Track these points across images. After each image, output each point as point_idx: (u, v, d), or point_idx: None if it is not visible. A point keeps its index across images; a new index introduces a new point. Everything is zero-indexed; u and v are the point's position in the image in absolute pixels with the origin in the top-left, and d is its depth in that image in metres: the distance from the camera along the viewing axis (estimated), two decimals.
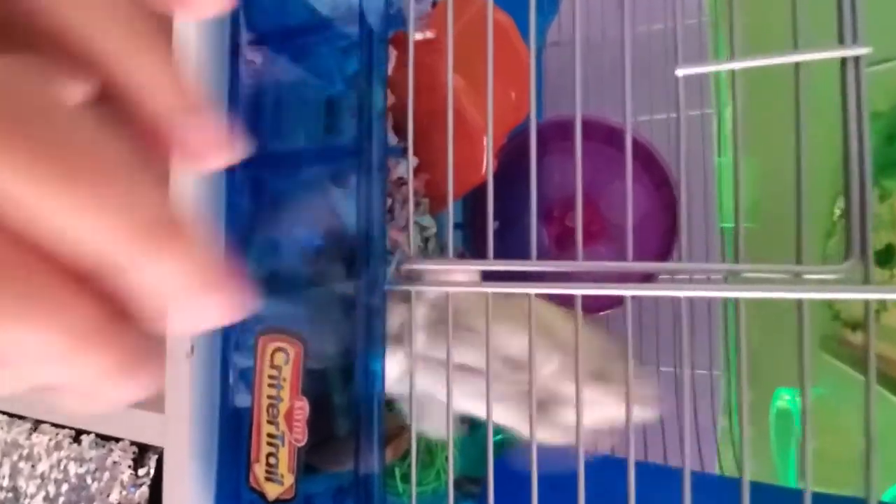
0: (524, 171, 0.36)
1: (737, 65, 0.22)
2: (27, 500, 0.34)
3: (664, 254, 0.49)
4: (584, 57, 0.57)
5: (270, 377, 0.24)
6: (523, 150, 0.36)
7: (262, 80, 0.30)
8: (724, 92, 0.55)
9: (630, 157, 0.25)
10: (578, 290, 0.23)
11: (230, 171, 0.30)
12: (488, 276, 0.26)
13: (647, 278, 0.45)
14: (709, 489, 0.28)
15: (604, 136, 0.52)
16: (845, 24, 0.19)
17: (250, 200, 0.30)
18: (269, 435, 0.24)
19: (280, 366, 0.24)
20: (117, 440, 0.33)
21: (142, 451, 0.33)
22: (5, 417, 0.37)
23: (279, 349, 0.24)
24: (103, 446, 0.33)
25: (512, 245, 0.47)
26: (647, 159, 0.51)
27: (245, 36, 0.28)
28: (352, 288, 0.24)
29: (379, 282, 0.23)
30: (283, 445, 0.24)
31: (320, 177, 0.30)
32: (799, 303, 0.18)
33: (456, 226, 0.59)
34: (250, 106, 0.30)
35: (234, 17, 0.29)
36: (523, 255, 0.34)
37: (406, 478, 0.39)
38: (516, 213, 0.49)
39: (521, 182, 0.34)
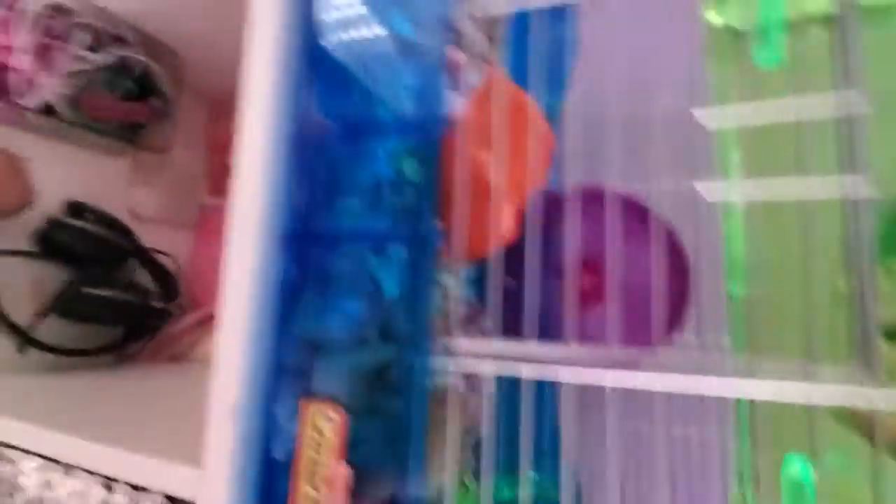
0: (539, 230, 0.40)
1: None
2: None
3: (676, 318, 0.50)
4: (592, 131, 0.60)
5: (313, 440, 0.26)
6: (539, 211, 0.40)
7: (319, 155, 0.33)
8: (731, 157, 0.58)
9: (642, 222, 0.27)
10: (609, 383, 0.24)
11: (283, 243, 0.32)
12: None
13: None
14: None
15: (621, 208, 0.55)
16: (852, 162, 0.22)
17: (297, 270, 0.32)
18: (309, 498, 0.25)
19: (322, 430, 0.26)
20: (148, 491, 0.34)
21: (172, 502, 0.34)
22: (40, 460, 0.38)
23: (322, 414, 0.26)
24: (134, 497, 0.34)
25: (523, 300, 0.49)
26: (655, 225, 0.53)
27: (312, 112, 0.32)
28: (395, 359, 0.26)
29: (423, 355, 0.25)
30: None
31: (363, 248, 0.32)
32: (807, 408, 0.20)
33: (472, 281, 0.61)
34: (305, 178, 0.33)
35: (306, 89, 0.32)
36: (540, 314, 0.36)
37: None
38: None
39: (537, 240, 0.36)
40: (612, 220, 0.58)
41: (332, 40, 0.35)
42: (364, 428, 0.25)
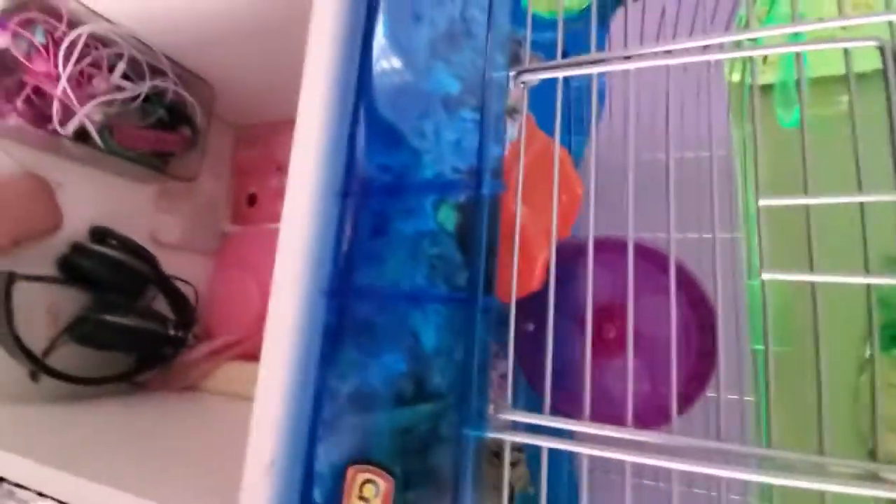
0: (563, 279, 0.40)
1: (814, 200, 0.25)
2: None
3: (701, 375, 0.50)
4: (615, 179, 0.61)
5: None
6: (563, 260, 0.40)
7: (363, 208, 0.33)
8: (752, 216, 0.59)
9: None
10: (675, 465, 0.24)
11: (324, 297, 0.32)
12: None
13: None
14: None
15: (637, 253, 0.55)
16: None
17: (337, 323, 0.32)
18: None
19: (369, 498, 0.25)
20: None
21: None
22: (52, 502, 0.37)
23: (368, 481, 0.25)
24: None
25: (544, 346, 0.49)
26: (680, 276, 0.54)
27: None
28: (445, 427, 0.26)
29: (474, 426, 0.25)
30: None
31: (404, 302, 0.32)
32: (821, 494, 0.20)
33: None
34: (349, 230, 0.33)
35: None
36: (559, 358, 0.36)
37: None
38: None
39: (559, 288, 0.37)
40: (635, 271, 0.59)
41: (380, 96, 0.36)
42: (411, 494, 0.25)
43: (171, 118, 0.62)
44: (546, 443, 0.25)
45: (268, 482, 0.29)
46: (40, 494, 0.38)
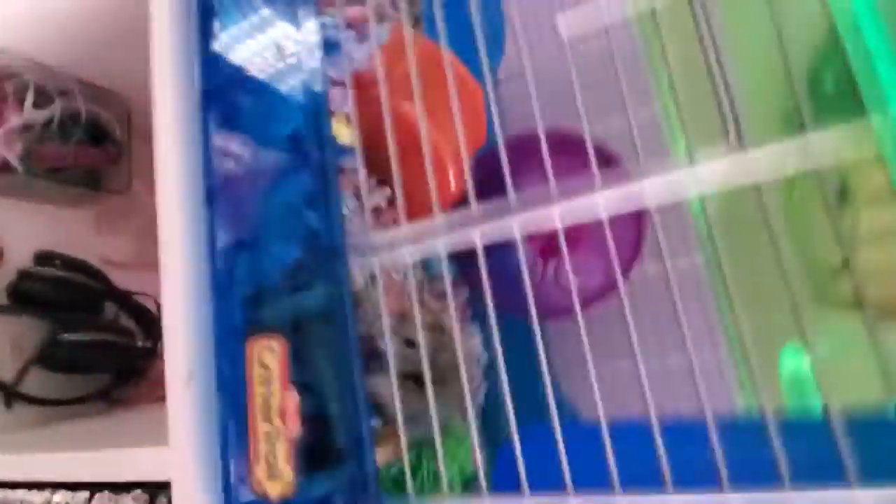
0: (494, 190, 0.40)
1: None
2: None
3: (638, 242, 0.50)
4: (539, 81, 0.61)
5: (261, 376, 0.26)
6: (489, 169, 0.40)
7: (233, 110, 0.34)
8: (663, 87, 0.59)
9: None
10: (558, 220, 0.24)
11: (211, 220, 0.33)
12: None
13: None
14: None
15: (565, 148, 0.56)
16: None
17: (233, 234, 0.32)
18: (265, 433, 0.25)
19: (268, 364, 0.26)
20: (129, 489, 0.33)
21: (153, 497, 0.33)
22: (22, 491, 0.38)
23: (266, 348, 0.26)
24: (116, 501, 0.34)
25: (495, 264, 0.49)
26: (609, 162, 0.54)
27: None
28: (323, 280, 0.26)
29: (341, 261, 0.25)
30: (279, 440, 0.25)
31: (294, 201, 0.33)
32: (702, 200, 0.20)
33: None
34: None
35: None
36: (508, 275, 0.36)
37: (419, 493, 0.38)
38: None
39: (494, 193, 0.36)
40: (564, 168, 0.59)
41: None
42: (304, 348, 0.25)
43: (92, 136, 0.63)
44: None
45: (187, 395, 0.29)
46: None
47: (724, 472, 0.21)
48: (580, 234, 0.59)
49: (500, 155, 0.33)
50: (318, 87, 0.32)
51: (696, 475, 0.22)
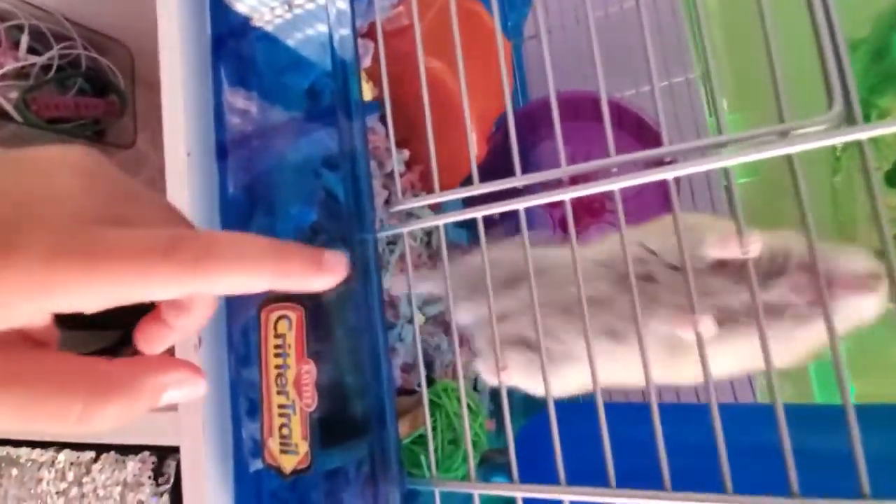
0: (518, 153, 0.36)
1: None
2: None
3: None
4: (563, 43, 0.57)
5: (276, 346, 0.24)
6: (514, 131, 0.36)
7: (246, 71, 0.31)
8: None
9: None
10: (567, 195, 0.22)
11: (223, 169, 0.31)
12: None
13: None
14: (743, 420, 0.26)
15: (592, 112, 0.53)
16: None
17: (244, 192, 0.30)
18: (280, 406, 0.24)
19: (284, 333, 0.24)
20: (137, 451, 0.33)
21: (161, 460, 0.32)
22: (26, 449, 0.37)
23: (282, 317, 0.24)
24: (123, 462, 0.33)
25: (512, 230, 0.47)
26: (639, 128, 0.51)
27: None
28: (342, 245, 0.24)
29: (369, 229, 0.23)
30: (294, 413, 0.23)
31: (312, 162, 0.31)
32: (790, 161, 0.17)
33: (459, 226, 0.59)
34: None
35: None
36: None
37: (412, 455, 0.37)
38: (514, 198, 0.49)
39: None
40: (600, 137, 0.56)
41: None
42: (323, 317, 0.23)
43: (94, 86, 0.60)
44: (440, 221, 0.24)
45: (197, 362, 0.28)
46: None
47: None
48: (603, 208, 0.56)
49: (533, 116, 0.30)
50: (343, 34, 0.29)
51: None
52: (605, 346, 0.25)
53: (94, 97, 0.60)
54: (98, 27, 0.60)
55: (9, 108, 0.52)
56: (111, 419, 0.14)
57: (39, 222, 0.14)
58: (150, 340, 0.18)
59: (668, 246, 0.25)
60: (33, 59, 0.54)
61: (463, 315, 0.31)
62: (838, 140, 0.17)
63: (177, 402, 0.16)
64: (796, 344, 0.23)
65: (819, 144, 0.17)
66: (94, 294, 0.14)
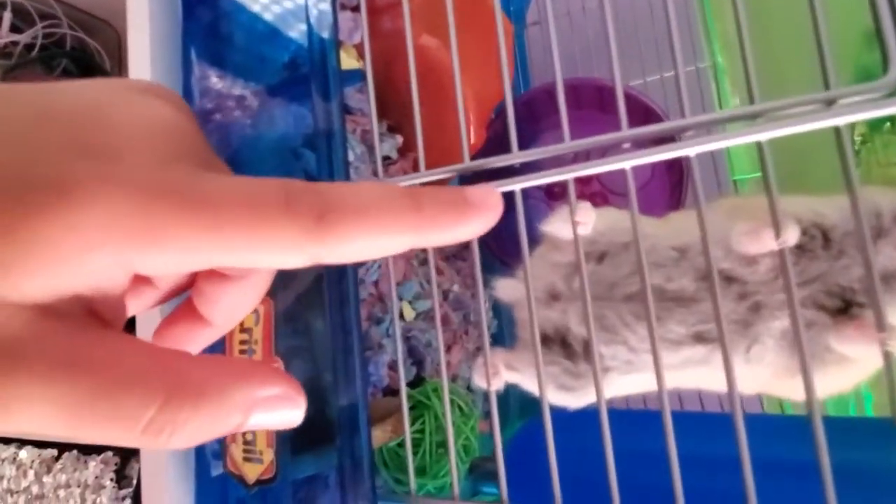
0: (518, 142, 0.34)
1: None
2: None
3: (673, 209, 0.46)
4: (568, 31, 0.55)
5: (241, 342, 0.22)
6: (514, 119, 0.34)
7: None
8: (716, 42, 0.53)
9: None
10: (571, 174, 0.20)
11: None
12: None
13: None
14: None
15: (595, 101, 0.50)
16: None
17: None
18: None
19: (250, 328, 0.22)
20: (100, 451, 0.30)
21: (124, 461, 0.30)
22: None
23: None
24: (85, 462, 0.31)
25: (510, 221, 0.45)
26: (645, 117, 0.48)
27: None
28: None
29: None
30: None
31: (291, 142, 0.28)
32: (837, 133, 0.15)
33: None
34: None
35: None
36: (528, 230, 0.31)
37: (420, 472, 0.35)
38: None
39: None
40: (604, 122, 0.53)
41: None
42: (294, 310, 0.21)
43: (79, 67, 0.58)
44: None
45: None
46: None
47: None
48: (604, 198, 0.54)
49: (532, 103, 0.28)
50: (324, 5, 0.26)
51: None
52: (692, 351, 0.21)
53: (79, 77, 0.58)
54: (85, 7, 0.58)
55: None
56: (186, 436, 0.10)
57: (138, 153, 0.11)
58: (175, 344, 0.14)
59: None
60: (16, 37, 0.52)
61: (505, 291, 0.28)
62: (890, 110, 0.15)
63: (264, 428, 0.12)
64: None
65: (871, 115, 0.15)
66: (193, 254, 0.10)
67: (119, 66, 0.61)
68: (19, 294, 0.09)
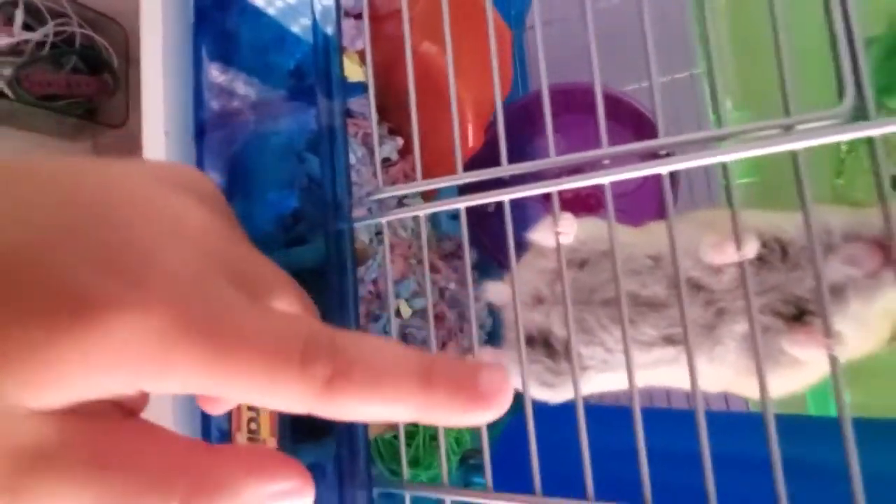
0: (514, 146, 0.35)
1: None
2: None
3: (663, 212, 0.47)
4: (567, 35, 0.56)
5: None
6: (511, 123, 0.35)
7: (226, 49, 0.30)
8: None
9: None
10: (555, 187, 0.21)
11: (200, 158, 0.30)
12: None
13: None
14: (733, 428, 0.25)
15: (590, 105, 0.51)
16: None
17: (222, 174, 0.29)
18: None
19: None
20: None
21: None
22: None
23: None
24: None
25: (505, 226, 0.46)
26: (638, 122, 0.50)
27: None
28: (323, 235, 0.23)
29: (344, 216, 0.22)
30: (263, 408, 0.22)
31: (295, 146, 0.30)
32: (794, 157, 0.16)
33: (453, 217, 0.58)
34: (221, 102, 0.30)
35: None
36: (523, 232, 0.32)
37: (414, 463, 0.37)
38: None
39: (512, 156, 0.32)
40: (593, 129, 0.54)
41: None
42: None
43: (88, 64, 0.59)
44: (420, 211, 0.23)
45: None
46: None
47: None
48: (599, 202, 0.55)
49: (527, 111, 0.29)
50: (328, 15, 0.28)
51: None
52: (662, 352, 0.22)
53: (87, 74, 0.59)
54: (93, 5, 0.59)
55: (2, 84, 0.52)
56: None
57: (162, 274, 0.11)
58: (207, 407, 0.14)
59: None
60: (28, 35, 0.54)
61: (495, 295, 0.29)
62: (848, 136, 0.16)
63: None
64: (872, 322, 0.21)
65: (826, 140, 0.16)
66: (204, 388, 0.11)
67: (126, 63, 0.62)
68: (40, 404, 0.10)
